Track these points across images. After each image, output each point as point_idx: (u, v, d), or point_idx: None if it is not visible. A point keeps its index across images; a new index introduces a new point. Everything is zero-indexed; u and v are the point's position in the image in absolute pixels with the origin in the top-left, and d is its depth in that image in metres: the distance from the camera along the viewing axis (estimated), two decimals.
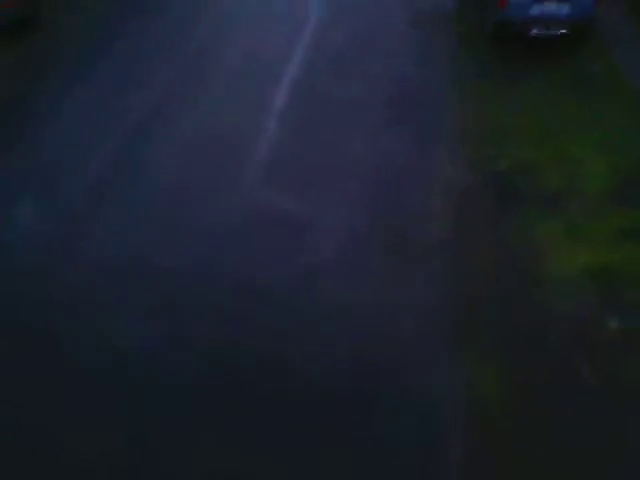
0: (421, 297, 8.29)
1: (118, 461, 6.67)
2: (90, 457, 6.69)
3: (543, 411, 6.94)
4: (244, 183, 10.18)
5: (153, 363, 7.53)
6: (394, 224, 9.38)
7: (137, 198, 9.98)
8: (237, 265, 8.81)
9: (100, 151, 10.92)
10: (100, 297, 8.39)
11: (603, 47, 13.08)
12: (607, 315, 7.76)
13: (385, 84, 12.61)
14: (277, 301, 8.25)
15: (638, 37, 13.11)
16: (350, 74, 12.96)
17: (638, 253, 8.53)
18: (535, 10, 12.49)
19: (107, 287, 8.52)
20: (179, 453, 6.66)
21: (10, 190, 10.19)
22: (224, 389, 7.27)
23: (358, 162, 10.58)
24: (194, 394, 7.23)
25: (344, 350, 7.62)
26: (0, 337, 7.96)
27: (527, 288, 8.25)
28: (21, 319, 8.16)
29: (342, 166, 10.50)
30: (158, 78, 12.86)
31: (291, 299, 8.29)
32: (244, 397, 7.18)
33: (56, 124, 11.68)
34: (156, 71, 13.07)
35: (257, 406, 7.09)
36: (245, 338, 7.82)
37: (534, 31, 12.76)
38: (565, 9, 12.43)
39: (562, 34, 12.78)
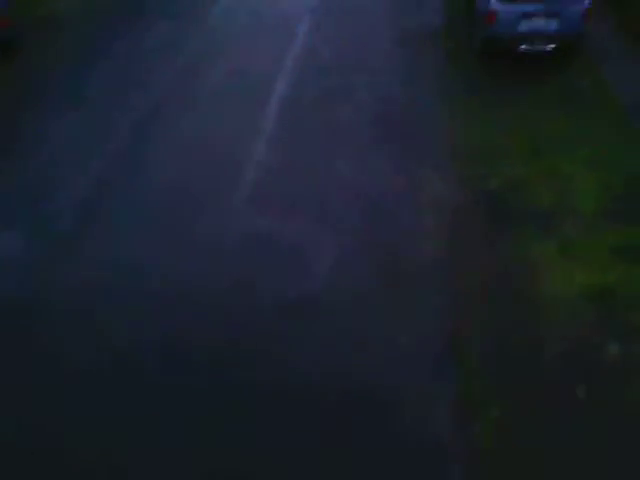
0: (414, 320, 8.12)
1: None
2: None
3: (541, 437, 6.78)
4: (234, 204, 9.99)
5: (139, 383, 7.43)
6: (385, 246, 9.21)
7: (124, 223, 9.78)
8: (225, 289, 8.63)
9: (86, 173, 10.75)
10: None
11: (591, 63, 13.02)
12: (606, 339, 7.60)
13: (373, 102, 12.47)
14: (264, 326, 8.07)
15: (626, 53, 13.08)
16: (338, 92, 12.81)
17: (634, 273, 8.39)
18: (523, 26, 12.42)
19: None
20: None
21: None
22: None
23: (348, 182, 10.42)
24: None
25: (332, 375, 7.47)
26: None
27: (522, 311, 8.08)
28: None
29: (331, 187, 10.33)
30: (146, 97, 12.66)
31: (280, 323, 8.13)
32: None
33: (41, 145, 11.48)
34: (144, 90, 12.88)
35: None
36: (229, 365, 7.65)
37: (522, 47, 12.70)
38: (553, 25, 12.37)
39: (550, 50, 12.72)
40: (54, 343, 8.06)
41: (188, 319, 8.28)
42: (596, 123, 11.51)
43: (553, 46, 12.64)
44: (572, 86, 12.52)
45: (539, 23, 12.40)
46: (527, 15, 12.32)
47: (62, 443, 7.01)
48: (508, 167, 10.55)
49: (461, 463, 6.75)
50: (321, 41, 14.57)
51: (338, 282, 8.71)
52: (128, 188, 10.45)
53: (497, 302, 8.24)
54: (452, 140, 11.29)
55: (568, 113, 11.77)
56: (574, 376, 7.28)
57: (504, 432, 6.91)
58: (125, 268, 8.96)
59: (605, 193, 9.77)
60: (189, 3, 16.36)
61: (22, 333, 8.25)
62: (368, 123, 11.85)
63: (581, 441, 6.78)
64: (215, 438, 6.99)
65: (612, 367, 7.32)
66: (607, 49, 13.19)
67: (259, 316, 8.28)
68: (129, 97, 12.69)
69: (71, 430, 7.12)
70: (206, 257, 9.10)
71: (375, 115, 12.06)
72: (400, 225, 9.57)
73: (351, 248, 9.22)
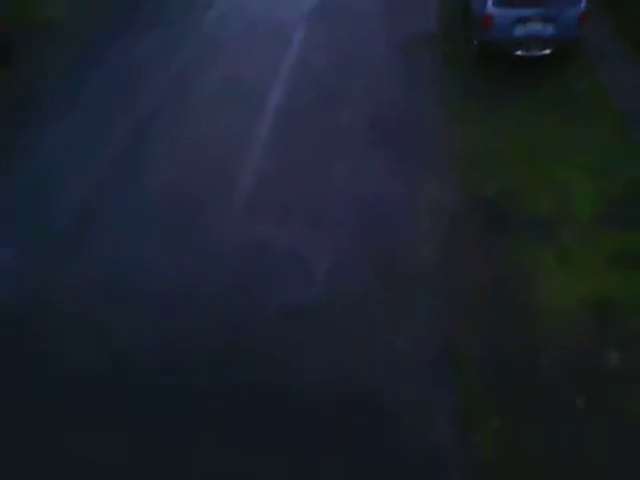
0: (412, 329, 8.09)
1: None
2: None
3: (541, 447, 6.75)
4: (230, 212, 9.96)
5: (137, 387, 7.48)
6: (381, 253, 9.19)
7: (119, 230, 9.74)
8: (224, 294, 8.61)
9: (80, 180, 10.73)
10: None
11: (589, 66, 12.99)
12: (605, 347, 7.57)
13: (369, 107, 12.43)
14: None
15: (623, 56, 13.05)
16: (334, 97, 12.78)
17: (632, 280, 8.37)
18: (519, 31, 12.40)
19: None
20: None
21: None
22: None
23: (344, 189, 10.39)
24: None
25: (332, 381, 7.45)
26: None
27: (520, 319, 8.06)
28: None
29: (328, 193, 10.31)
30: (141, 105, 12.60)
31: (278, 329, 8.14)
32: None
33: (38, 150, 11.48)
34: (139, 97, 12.83)
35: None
36: (230, 370, 7.63)
37: (519, 52, 12.67)
38: (550, 29, 12.34)
39: (547, 54, 12.69)
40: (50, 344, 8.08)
41: (185, 323, 8.28)
42: (593, 128, 11.48)
43: (549, 51, 12.62)
44: (569, 90, 12.49)
45: (535, 28, 12.38)
46: (523, 20, 12.30)
47: (62, 443, 7.04)
48: (505, 173, 10.52)
49: (461, 473, 6.72)
50: (317, 46, 14.52)
51: (335, 289, 8.68)
52: (122, 197, 10.41)
53: (495, 310, 8.22)
54: (449, 146, 11.26)
55: (565, 118, 11.75)
56: (573, 385, 7.26)
57: (504, 442, 6.88)
58: (117, 280, 8.93)
59: (602, 199, 9.75)
60: (184, 9, 16.29)
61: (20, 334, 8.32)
62: (364, 128, 11.81)
63: (581, 451, 6.76)
64: (214, 443, 6.99)
65: (612, 375, 7.29)
66: (604, 53, 13.16)
67: (258, 321, 8.27)
68: (123, 105, 12.63)
69: (71, 430, 7.15)
70: (202, 265, 9.06)
71: (371, 120, 12.02)
72: (397, 232, 9.55)
73: (348, 254, 9.20)
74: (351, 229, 9.66)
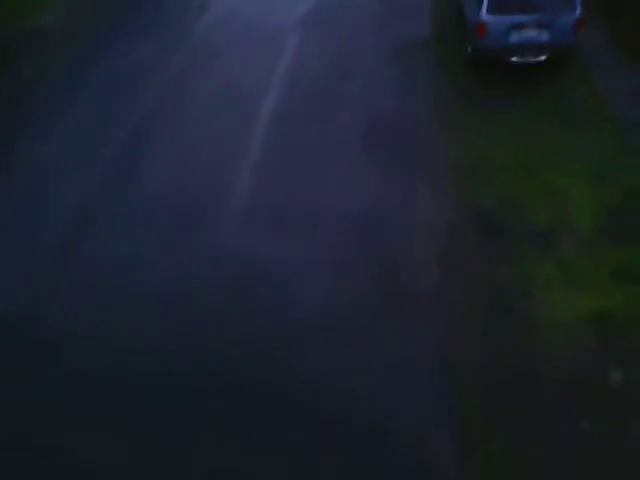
0: (409, 344, 7.91)
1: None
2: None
3: (541, 471, 6.58)
4: (223, 226, 9.75)
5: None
6: (375, 264, 8.99)
7: (110, 241, 9.54)
8: (217, 314, 8.40)
9: (71, 190, 10.54)
10: None
11: (584, 73, 12.86)
12: (608, 365, 7.39)
13: (364, 113, 12.24)
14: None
15: (618, 62, 12.93)
16: (329, 101, 12.61)
17: (634, 295, 8.20)
18: (514, 37, 12.25)
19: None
20: None
21: None
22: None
23: (339, 198, 10.19)
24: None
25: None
26: None
27: (520, 335, 7.88)
28: None
29: (322, 204, 10.10)
30: (133, 112, 12.37)
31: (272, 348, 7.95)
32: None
33: (37, 150, 11.36)
34: (132, 104, 12.60)
35: None
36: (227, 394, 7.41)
37: (514, 58, 12.54)
38: (545, 36, 12.21)
39: (542, 61, 12.56)
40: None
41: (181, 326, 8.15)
42: (590, 135, 11.35)
43: (544, 57, 12.49)
44: (564, 97, 12.36)
45: (530, 34, 12.24)
46: (518, 26, 12.16)
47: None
48: (501, 182, 10.36)
49: None
50: (312, 51, 14.37)
51: (328, 301, 8.48)
52: (118, 200, 10.25)
53: (493, 325, 8.05)
54: (444, 154, 11.10)
55: (561, 125, 11.61)
56: (575, 405, 7.08)
57: (504, 465, 6.70)
58: (111, 283, 8.76)
59: (601, 210, 9.59)
60: (178, 14, 16.12)
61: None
62: (358, 135, 11.62)
63: (583, 474, 6.58)
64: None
65: (614, 395, 7.11)
66: (600, 59, 13.04)
67: (250, 340, 8.07)
68: (116, 112, 12.40)
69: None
70: (195, 277, 8.87)
71: (365, 126, 11.84)
72: (392, 242, 9.36)
73: (342, 268, 8.99)
74: (345, 239, 9.46)
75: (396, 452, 6.83)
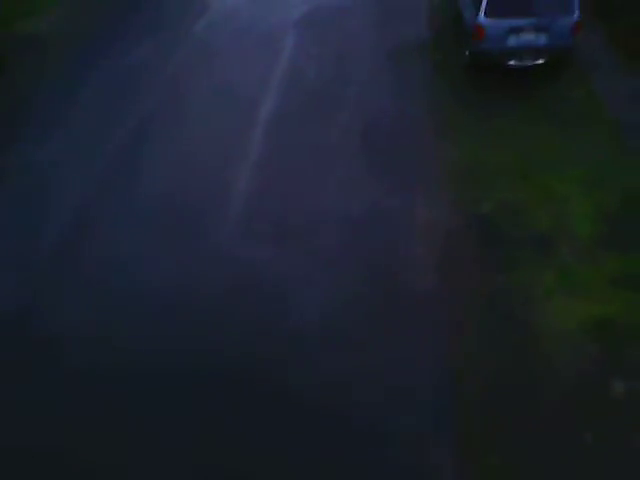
0: (408, 354, 7.82)
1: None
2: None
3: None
4: (221, 234, 9.65)
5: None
6: (374, 275, 8.89)
7: (108, 243, 9.43)
8: (217, 315, 8.33)
9: (66, 198, 10.41)
10: None
11: (582, 76, 12.79)
12: (610, 375, 7.31)
13: (359, 117, 12.16)
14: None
15: (616, 65, 12.85)
16: (325, 103, 12.54)
17: (635, 303, 8.12)
18: (512, 41, 12.17)
19: None
20: None
21: None
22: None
23: (335, 204, 10.09)
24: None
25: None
26: None
27: (520, 345, 7.80)
28: None
29: (318, 210, 10.01)
30: (129, 118, 12.26)
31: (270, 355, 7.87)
32: None
33: (34, 153, 11.29)
34: (127, 110, 12.49)
35: None
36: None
37: (512, 62, 12.46)
38: (542, 39, 12.12)
39: (540, 64, 12.49)
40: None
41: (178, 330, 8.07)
42: (588, 139, 11.28)
43: (542, 61, 12.42)
44: (562, 100, 12.29)
45: (528, 38, 12.16)
46: (516, 30, 12.08)
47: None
48: (500, 187, 10.28)
49: None
50: (308, 54, 14.30)
51: (328, 310, 8.39)
52: (113, 209, 10.12)
53: (494, 334, 7.96)
54: (442, 159, 11.00)
55: (559, 128, 11.53)
56: (576, 417, 6.99)
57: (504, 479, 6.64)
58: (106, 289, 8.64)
59: (601, 216, 9.50)
60: (174, 18, 16.03)
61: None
62: (355, 139, 11.55)
63: None
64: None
65: (615, 407, 7.03)
66: (597, 62, 12.96)
67: (249, 341, 8.03)
68: (114, 113, 12.34)
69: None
70: (194, 277, 8.80)
71: (362, 131, 11.76)
72: (390, 250, 9.27)
73: (339, 276, 8.89)
74: (342, 244, 9.38)
75: (395, 465, 6.74)
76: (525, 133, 11.51)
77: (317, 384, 7.53)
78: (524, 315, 8.23)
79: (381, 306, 8.44)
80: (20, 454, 6.96)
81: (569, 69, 12.96)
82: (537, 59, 12.42)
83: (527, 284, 8.57)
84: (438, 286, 8.71)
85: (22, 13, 15.98)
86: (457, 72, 13.34)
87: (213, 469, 6.85)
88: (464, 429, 7.02)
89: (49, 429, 7.21)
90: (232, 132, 11.81)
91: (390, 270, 8.95)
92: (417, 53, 14.15)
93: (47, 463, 6.88)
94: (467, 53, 12.97)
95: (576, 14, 11.98)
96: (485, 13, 12.02)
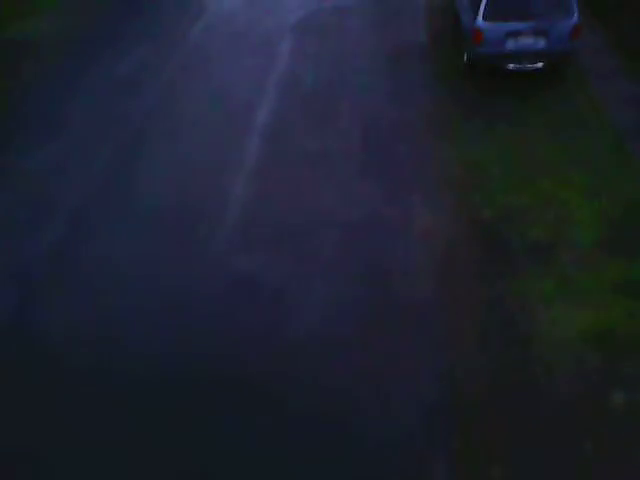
0: (406, 363, 7.73)
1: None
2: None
3: None
4: (219, 243, 9.56)
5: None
6: (372, 283, 8.78)
7: (106, 264, 9.35)
8: (212, 337, 8.17)
9: (58, 209, 10.31)
10: None
11: (581, 79, 12.72)
12: (610, 386, 7.21)
13: (358, 122, 12.09)
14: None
15: (617, 69, 12.78)
16: (323, 108, 12.47)
17: (636, 311, 8.03)
18: (511, 45, 12.10)
19: None
20: None
21: None
22: None
23: (334, 212, 9.99)
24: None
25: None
26: None
27: (520, 354, 7.70)
28: None
29: (317, 218, 9.91)
30: (122, 126, 12.17)
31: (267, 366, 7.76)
32: None
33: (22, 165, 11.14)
34: (121, 117, 12.41)
35: None
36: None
37: (510, 66, 12.38)
38: (541, 43, 12.05)
39: (539, 68, 12.41)
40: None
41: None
42: (589, 144, 11.20)
43: (541, 64, 12.34)
44: (562, 104, 12.22)
45: (527, 41, 12.09)
46: (514, 33, 12.01)
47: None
48: (500, 194, 10.18)
49: None
50: (305, 58, 14.25)
51: (326, 320, 8.28)
52: (102, 225, 9.97)
53: (492, 342, 7.86)
54: (441, 165, 10.92)
55: (559, 134, 11.45)
56: (577, 428, 6.89)
57: None
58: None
59: (602, 223, 9.41)
60: (168, 23, 16.00)
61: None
62: (354, 144, 11.47)
63: None
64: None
65: (616, 418, 6.93)
66: (597, 65, 12.90)
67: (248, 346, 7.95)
68: (106, 121, 12.26)
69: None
70: (194, 301, 8.65)
71: (360, 135, 11.70)
72: (390, 258, 9.15)
73: (338, 286, 8.77)
74: (341, 251, 9.27)
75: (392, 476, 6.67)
76: (524, 138, 11.44)
77: (312, 386, 7.48)
78: (523, 323, 8.13)
79: (379, 311, 8.34)
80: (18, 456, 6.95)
81: (569, 73, 12.89)
82: (536, 63, 12.35)
83: (527, 291, 8.47)
84: (437, 293, 8.61)
85: (16, 15, 15.93)
86: (456, 76, 13.27)
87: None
88: (463, 440, 6.91)
89: (48, 428, 7.18)
90: (228, 138, 11.73)
91: (389, 276, 8.85)
92: (415, 57, 14.10)
93: (45, 464, 6.88)
94: (466, 57, 12.89)
95: (575, 17, 11.91)
96: (483, 17, 11.96)
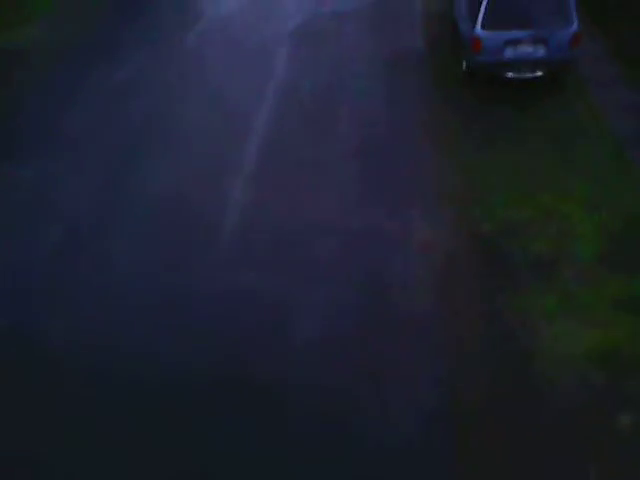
0: (406, 380, 7.62)
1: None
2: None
3: None
4: (216, 255, 9.45)
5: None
6: (371, 296, 8.68)
7: (100, 275, 9.23)
8: (217, 344, 8.10)
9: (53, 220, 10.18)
10: None
11: (581, 88, 12.63)
12: (616, 407, 7.10)
13: (355, 132, 11.97)
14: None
15: (617, 77, 12.69)
16: (319, 115, 12.38)
17: (639, 327, 7.93)
18: (509, 53, 11.99)
19: None
20: None
21: None
22: None
23: (332, 226, 9.87)
24: None
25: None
26: None
27: (522, 373, 7.59)
28: None
29: (314, 232, 9.78)
30: (117, 135, 12.05)
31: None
32: None
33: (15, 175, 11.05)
34: (115, 127, 12.29)
35: None
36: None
37: (510, 74, 12.27)
38: (541, 51, 11.95)
39: (538, 76, 12.30)
40: None
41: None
42: (589, 154, 11.10)
43: (541, 73, 12.23)
44: (562, 113, 12.12)
45: (526, 50, 11.99)
46: (513, 42, 11.91)
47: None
48: (499, 206, 10.06)
49: None
50: (302, 66, 14.14)
51: (321, 337, 8.17)
52: (100, 236, 9.85)
53: (493, 359, 7.76)
54: (439, 177, 10.80)
55: (560, 144, 11.35)
56: (579, 451, 6.79)
57: None
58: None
59: (604, 237, 9.29)
60: (164, 29, 15.88)
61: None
62: (350, 154, 11.33)
63: None
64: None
65: (622, 441, 6.83)
66: (597, 74, 12.80)
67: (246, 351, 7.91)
68: (102, 131, 12.14)
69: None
70: (193, 310, 8.57)
71: (357, 145, 11.57)
72: (387, 278, 9.01)
73: (336, 300, 8.66)
74: (339, 264, 9.17)
75: None
76: (523, 148, 11.35)
77: (312, 392, 7.44)
78: (525, 339, 8.02)
79: (378, 324, 8.27)
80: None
81: (569, 81, 12.79)
82: (535, 71, 12.24)
83: (528, 308, 8.37)
84: (436, 308, 8.51)
85: (9, 23, 15.79)
86: (454, 84, 13.17)
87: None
88: (462, 457, 6.81)
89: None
90: (227, 145, 11.65)
91: (388, 290, 8.75)
92: (413, 64, 13.99)
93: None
94: (464, 65, 12.79)
95: (575, 25, 11.81)
96: (482, 25, 11.85)
